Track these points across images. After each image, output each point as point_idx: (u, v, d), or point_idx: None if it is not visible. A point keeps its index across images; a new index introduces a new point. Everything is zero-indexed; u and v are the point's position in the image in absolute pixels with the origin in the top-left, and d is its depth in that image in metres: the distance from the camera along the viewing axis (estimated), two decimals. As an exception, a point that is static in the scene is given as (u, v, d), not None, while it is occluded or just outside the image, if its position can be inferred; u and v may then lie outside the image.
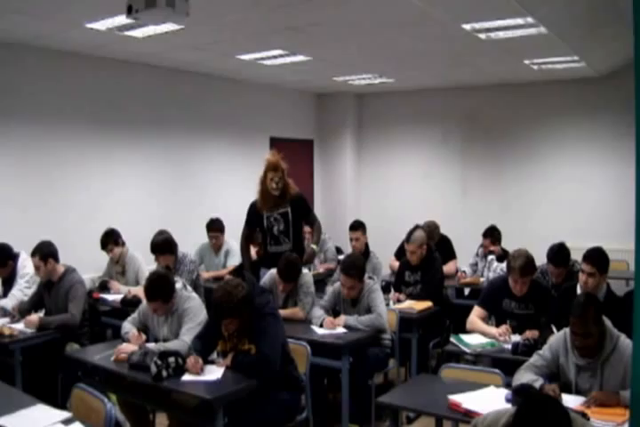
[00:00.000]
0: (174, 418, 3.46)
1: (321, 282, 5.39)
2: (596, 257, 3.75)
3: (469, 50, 5.72)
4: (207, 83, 7.13)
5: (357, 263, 4.15)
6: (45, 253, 4.17)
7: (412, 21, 4.71)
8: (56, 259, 4.24)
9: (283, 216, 4.86)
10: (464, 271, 5.87)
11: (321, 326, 4.02)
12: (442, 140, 8.30)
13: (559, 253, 4.45)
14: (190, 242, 5.81)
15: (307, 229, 5.35)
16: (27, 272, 4.53)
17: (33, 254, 4.17)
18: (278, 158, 4.82)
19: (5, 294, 4.47)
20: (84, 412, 2.61)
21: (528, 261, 3.78)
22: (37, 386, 3.66)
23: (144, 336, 3.53)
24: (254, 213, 4.98)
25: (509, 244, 5.90)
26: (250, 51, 5.82)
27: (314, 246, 4.97)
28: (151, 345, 3.34)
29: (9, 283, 4.51)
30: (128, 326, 3.64)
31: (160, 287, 3.47)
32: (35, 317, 4.00)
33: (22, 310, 4.27)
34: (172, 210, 6.67)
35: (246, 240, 5.10)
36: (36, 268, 4.21)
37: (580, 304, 2.80)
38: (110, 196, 6.13)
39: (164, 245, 4.70)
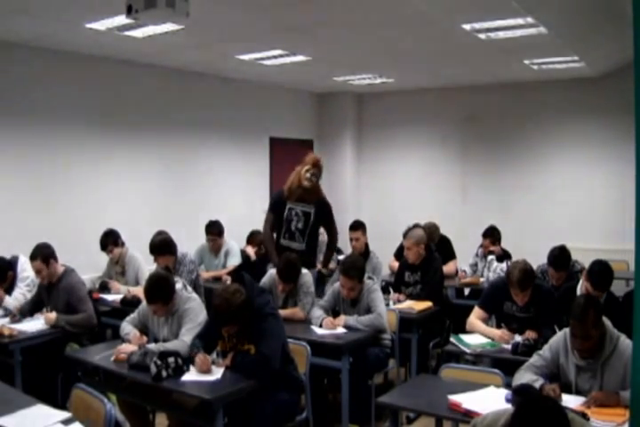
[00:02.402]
0: (174, 418, 3.46)
1: (321, 282, 5.39)
2: (602, 282, 3.69)
3: (469, 50, 5.72)
4: (207, 83, 7.13)
5: (357, 264, 4.15)
6: (46, 254, 4.14)
7: (411, 21, 4.71)
8: (56, 259, 4.23)
9: (305, 214, 4.93)
10: (464, 271, 5.88)
11: (320, 326, 4.02)
12: (442, 140, 8.31)
13: (560, 257, 4.45)
14: (190, 242, 5.80)
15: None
16: (27, 275, 4.51)
17: (33, 258, 4.12)
18: (321, 160, 5.00)
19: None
20: (83, 412, 2.60)
21: (526, 273, 3.71)
22: (37, 386, 3.65)
23: (145, 338, 3.53)
24: (279, 200, 5.03)
25: (509, 243, 5.92)
26: (250, 51, 5.83)
27: (323, 271, 5.09)
28: (151, 345, 3.34)
29: (11, 287, 4.50)
30: (128, 327, 3.64)
31: (160, 289, 3.46)
32: (53, 314, 4.01)
33: (23, 311, 4.27)
34: (172, 210, 6.67)
35: (271, 228, 5.07)
36: (38, 271, 4.16)
37: (579, 306, 2.79)
38: (109, 196, 6.12)
39: (161, 246, 4.67)
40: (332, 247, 5.31)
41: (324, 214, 5.00)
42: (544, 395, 2.61)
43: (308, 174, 4.89)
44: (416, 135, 8.54)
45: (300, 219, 4.92)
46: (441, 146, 8.32)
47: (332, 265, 6.06)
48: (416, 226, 5.25)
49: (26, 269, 4.52)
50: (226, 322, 3.15)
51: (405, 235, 5.07)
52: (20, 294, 4.45)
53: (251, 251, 6.25)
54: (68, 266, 4.31)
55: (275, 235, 5.10)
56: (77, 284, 4.22)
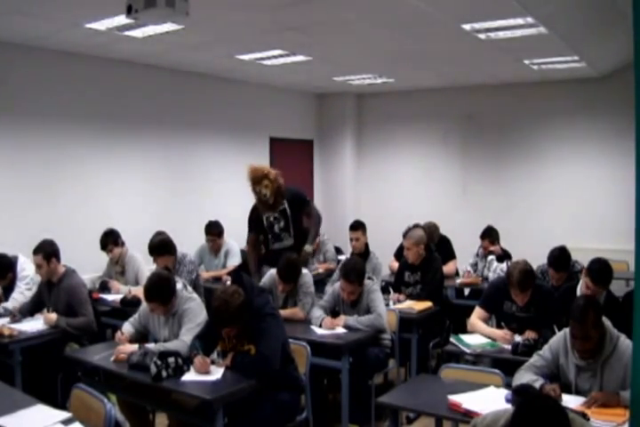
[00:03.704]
0: (174, 418, 3.46)
1: (321, 282, 5.39)
2: (602, 277, 3.70)
3: (469, 50, 5.71)
4: (207, 83, 7.13)
5: (358, 269, 4.13)
6: (49, 252, 4.15)
7: (412, 21, 4.71)
8: (58, 259, 4.23)
9: (281, 214, 4.99)
10: (469, 270, 5.85)
11: (320, 326, 4.02)
12: (442, 140, 8.30)
13: (560, 257, 4.44)
14: (190, 242, 5.80)
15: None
16: (26, 275, 4.51)
17: (35, 253, 4.15)
18: (260, 169, 4.95)
19: (7, 298, 4.45)
20: (83, 412, 2.60)
21: (526, 274, 3.71)
22: (37, 386, 3.66)
23: (127, 334, 3.55)
24: (255, 217, 5.14)
25: (510, 243, 5.92)
26: (250, 51, 5.82)
27: (308, 247, 5.06)
28: (151, 345, 3.34)
29: (10, 287, 4.50)
30: (126, 328, 3.65)
31: (160, 289, 3.46)
32: (53, 315, 4.01)
33: (23, 311, 4.27)
34: (172, 210, 6.67)
35: (253, 246, 5.20)
36: (38, 266, 4.19)
37: (579, 307, 2.79)
38: (109, 196, 6.12)
39: (160, 247, 4.65)
40: (316, 228, 5.16)
41: (296, 203, 5.03)
42: (544, 395, 2.61)
43: (262, 196, 4.87)
44: (416, 135, 8.53)
45: (279, 220, 5.02)
46: (441, 146, 8.31)
47: (332, 265, 6.07)
48: (416, 226, 5.26)
49: (25, 269, 4.53)
50: (225, 324, 3.15)
51: (405, 235, 5.08)
52: (20, 293, 4.45)
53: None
54: (69, 267, 4.31)
55: (262, 246, 5.22)
56: (78, 285, 4.22)
